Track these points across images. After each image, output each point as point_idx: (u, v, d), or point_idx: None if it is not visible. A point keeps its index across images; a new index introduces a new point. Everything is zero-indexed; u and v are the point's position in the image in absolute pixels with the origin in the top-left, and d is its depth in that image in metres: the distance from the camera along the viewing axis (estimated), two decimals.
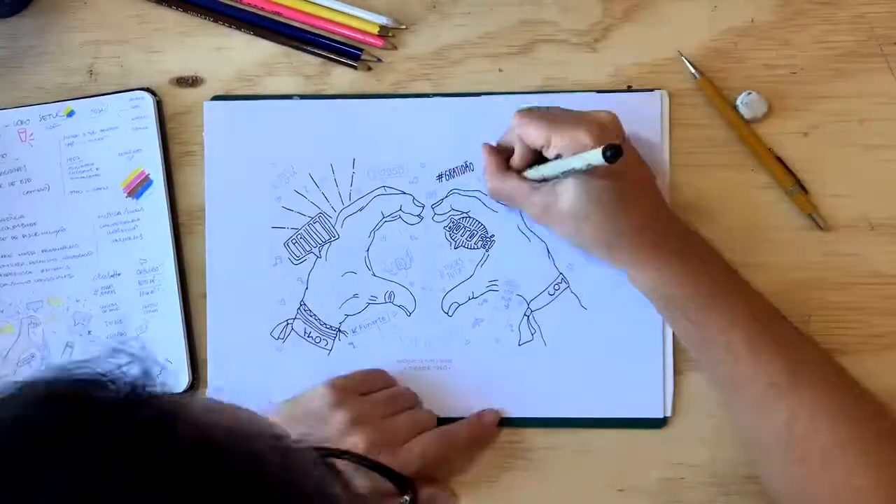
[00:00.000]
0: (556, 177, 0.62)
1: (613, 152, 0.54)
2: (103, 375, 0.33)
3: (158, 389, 0.33)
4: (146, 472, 0.30)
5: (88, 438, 0.30)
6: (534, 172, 0.64)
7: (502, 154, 0.67)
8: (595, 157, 0.55)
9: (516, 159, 0.65)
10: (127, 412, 0.32)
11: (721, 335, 0.61)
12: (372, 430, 0.62)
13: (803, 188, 0.68)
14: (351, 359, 0.70)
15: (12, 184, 0.72)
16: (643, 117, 0.69)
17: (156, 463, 0.30)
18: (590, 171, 0.58)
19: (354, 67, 0.72)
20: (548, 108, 0.65)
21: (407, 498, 0.46)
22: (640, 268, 0.63)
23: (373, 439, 0.62)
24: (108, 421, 0.31)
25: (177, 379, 0.70)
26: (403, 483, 0.47)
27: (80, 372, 0.33)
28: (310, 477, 0.34)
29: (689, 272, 0.62)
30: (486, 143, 0.67)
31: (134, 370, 0.34)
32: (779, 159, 0.68)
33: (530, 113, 0.63)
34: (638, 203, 0.62)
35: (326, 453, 0.39)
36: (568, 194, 0.61)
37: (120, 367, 0.34)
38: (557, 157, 0.61)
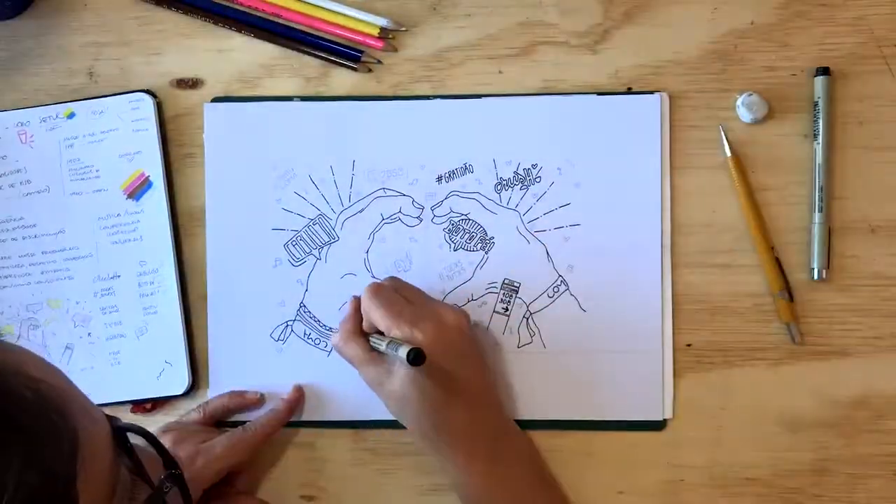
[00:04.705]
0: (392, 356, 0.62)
1: (415, 356, 0.56)
2: None
3: None
4: None
5: None
6: (374, 343, 0.64)
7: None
8: (403, 354, 0.57)
9: (365, 326, 0.66)
10: None
11: None
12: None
13: (791, 295, 0.68)
14: None
15: (12, 185, 0.72)
16: (643, 119, 0.69)
17: None
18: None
19: (354, 69, 0.72)
20: (402, 287, 0.66)
21: (172, 472, 0.49)
22: (451, 466, 0.63)
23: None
24: None
25: (177, 381, 0.70)
26: (170, 461, 0.49)
27: None
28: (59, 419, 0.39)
29: (497, 482, 0.63)
30: (354, 297, 0.67)
31: None
32: (777, 260, 0.68)
33: (380, 294, 0.64)
34: (463, 404, 0.63)
35: (122, 426, 0.44)
36: (398, 378, 0.62)
37: None
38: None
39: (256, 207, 0.71)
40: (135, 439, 0.46)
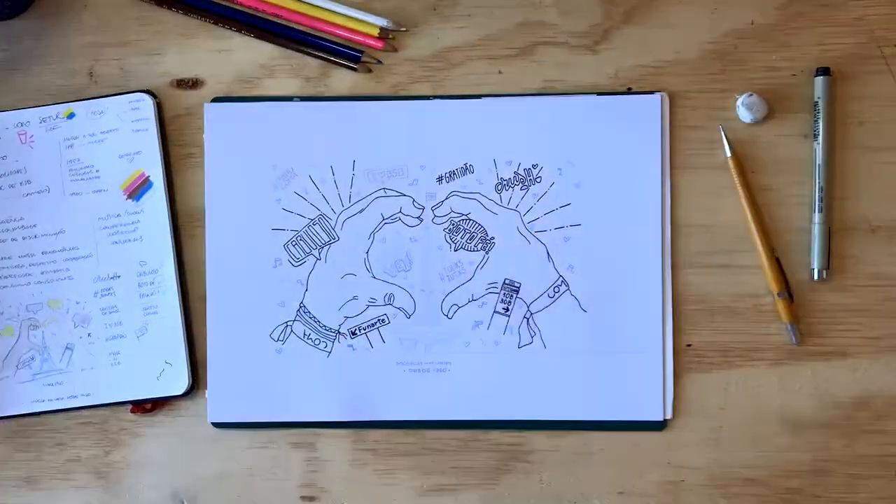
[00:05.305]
0: None
1: None
2: None
3: None
4: None
5: None
6: None
7: None
8: None
9: None
10: None
11: None
12: None
13: (791, 296, 0.68)
14: (350, 361, 0.70)
15: (12, 186, 0.72)
16: (643, 119, 0.69)
17: None
18: None
19: (354, 69, 0.72)
20: None
21: None
22: None
23: None
24: None
25: (177, 381, 0.70)
26: None
27: None
28: None
29: None
30: None
31: None
32: (777, 261, 0.68)
33: None
34: None
35: None
36: None
37: None
38: None
39: (256, 207, 0.71)
40: None
